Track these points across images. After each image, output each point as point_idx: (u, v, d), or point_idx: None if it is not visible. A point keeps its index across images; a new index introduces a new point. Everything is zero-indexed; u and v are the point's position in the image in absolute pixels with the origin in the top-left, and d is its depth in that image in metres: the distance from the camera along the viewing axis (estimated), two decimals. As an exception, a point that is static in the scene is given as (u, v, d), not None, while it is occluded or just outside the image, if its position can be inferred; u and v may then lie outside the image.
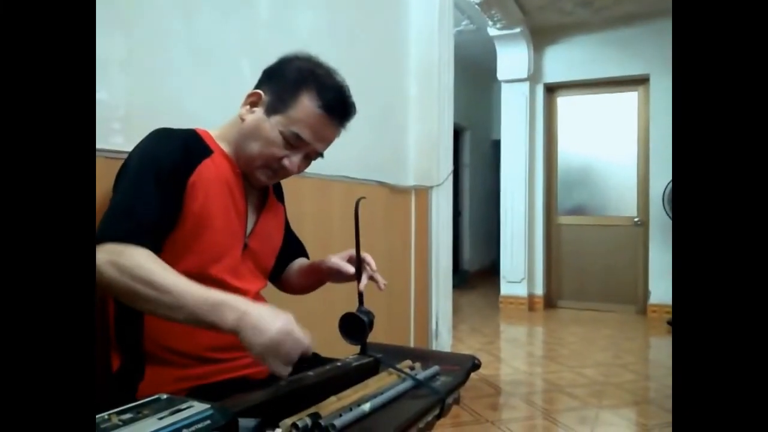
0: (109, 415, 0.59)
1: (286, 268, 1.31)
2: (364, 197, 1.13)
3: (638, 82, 4.96)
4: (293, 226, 1.36)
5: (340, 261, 1.18)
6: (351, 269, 1.14)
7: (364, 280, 1.13)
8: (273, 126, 1.04)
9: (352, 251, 1.16)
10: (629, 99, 5.06)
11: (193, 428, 0.57)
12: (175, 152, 0.99)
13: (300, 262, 1.32)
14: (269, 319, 0.83)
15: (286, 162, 1.06)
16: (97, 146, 1.13)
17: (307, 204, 1.81)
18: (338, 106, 1.06)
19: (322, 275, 1.23)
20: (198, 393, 0.97)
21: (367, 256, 1.15)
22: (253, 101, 1.08)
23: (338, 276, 1.18)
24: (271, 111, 1.05)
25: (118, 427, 0.57)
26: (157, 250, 0.91)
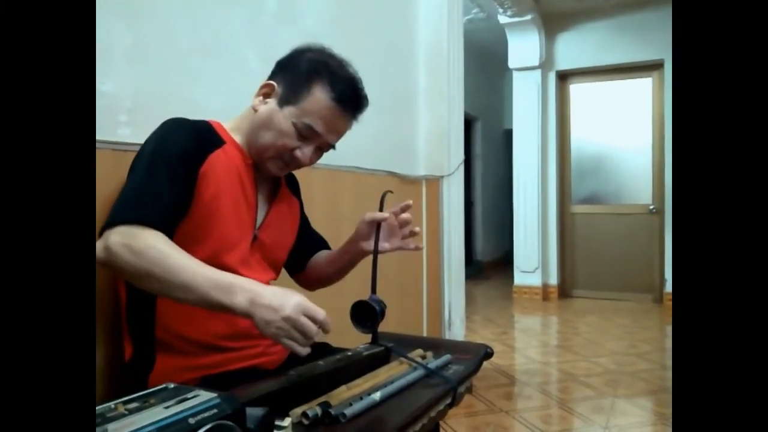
0: (115, 404, 0.59)
1: (310, 261, 1.29)
2: (390, 191, 1.12)
3: (652, 67, 4.87)
4: (303, 217, 1.34)
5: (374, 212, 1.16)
6: (385, 215, 1.13)
7: (386, 213, 1.14)
8: (286, 117, 1.04)
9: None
10: (643, 85, 4.98)
11: (199, 417, 0.57)
12: (186, 141, 1.00)
13: (326, 252, 1.31)
14: (282, 298, 0.81)
15: (298, 153, 1.06)
16: (105, 138, 1.13)
17: (317, 194, 1.81)
18: (351, 98, 1.06)
19: (353, 245, 1.20)
20: (208, 382, 0.98)
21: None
22: (266, 92, 1.08)
23: (370, 227, 1.15)
24: (284, 102, 1.05)
25: (124, 416, 0.56)
26: (169, 235, 0.91)
